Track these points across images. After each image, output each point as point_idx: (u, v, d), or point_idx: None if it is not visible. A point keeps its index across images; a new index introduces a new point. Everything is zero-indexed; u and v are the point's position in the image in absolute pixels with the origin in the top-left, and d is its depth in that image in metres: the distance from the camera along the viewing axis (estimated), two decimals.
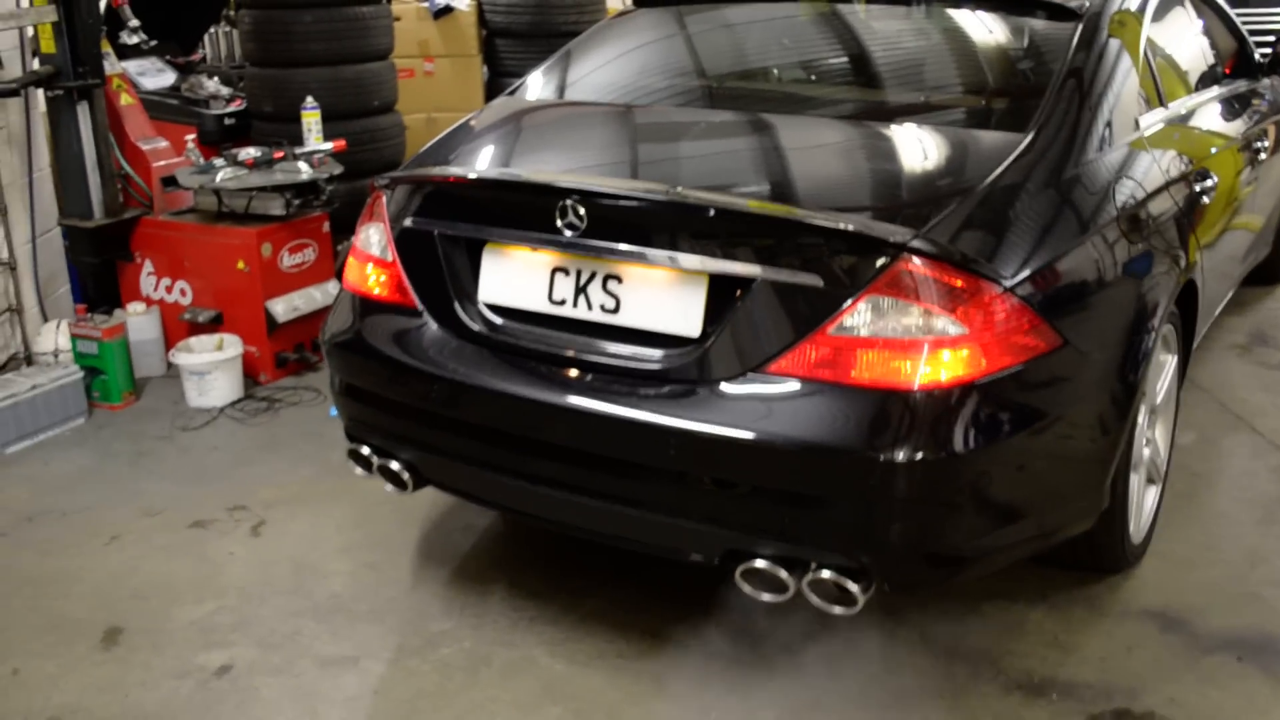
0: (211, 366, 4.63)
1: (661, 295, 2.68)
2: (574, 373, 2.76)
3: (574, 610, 3.25)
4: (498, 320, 2.89)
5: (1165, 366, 3.35)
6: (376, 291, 3.11)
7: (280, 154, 4.87)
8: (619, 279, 2.73)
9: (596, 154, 3.17)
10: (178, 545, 3.65)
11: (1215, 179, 3.51)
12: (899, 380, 2.46)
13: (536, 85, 3.65)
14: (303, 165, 4.85)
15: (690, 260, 2.61)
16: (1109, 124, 3.01)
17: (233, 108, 5.81)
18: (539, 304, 2.84)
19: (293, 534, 3.72)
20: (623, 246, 2.68)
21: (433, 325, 2.97)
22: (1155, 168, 3.17)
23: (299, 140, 5.09)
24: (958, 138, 2.99)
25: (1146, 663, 2.98)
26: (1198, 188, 3.40)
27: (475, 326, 2.90)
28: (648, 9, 3.91)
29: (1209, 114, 3.90)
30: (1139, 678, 2.93)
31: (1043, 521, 2.79)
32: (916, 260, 2.46)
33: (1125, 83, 3.15)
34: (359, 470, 3.22)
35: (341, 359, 3.17)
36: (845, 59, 3.46)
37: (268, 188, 4.74)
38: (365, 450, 3.15)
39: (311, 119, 5.03)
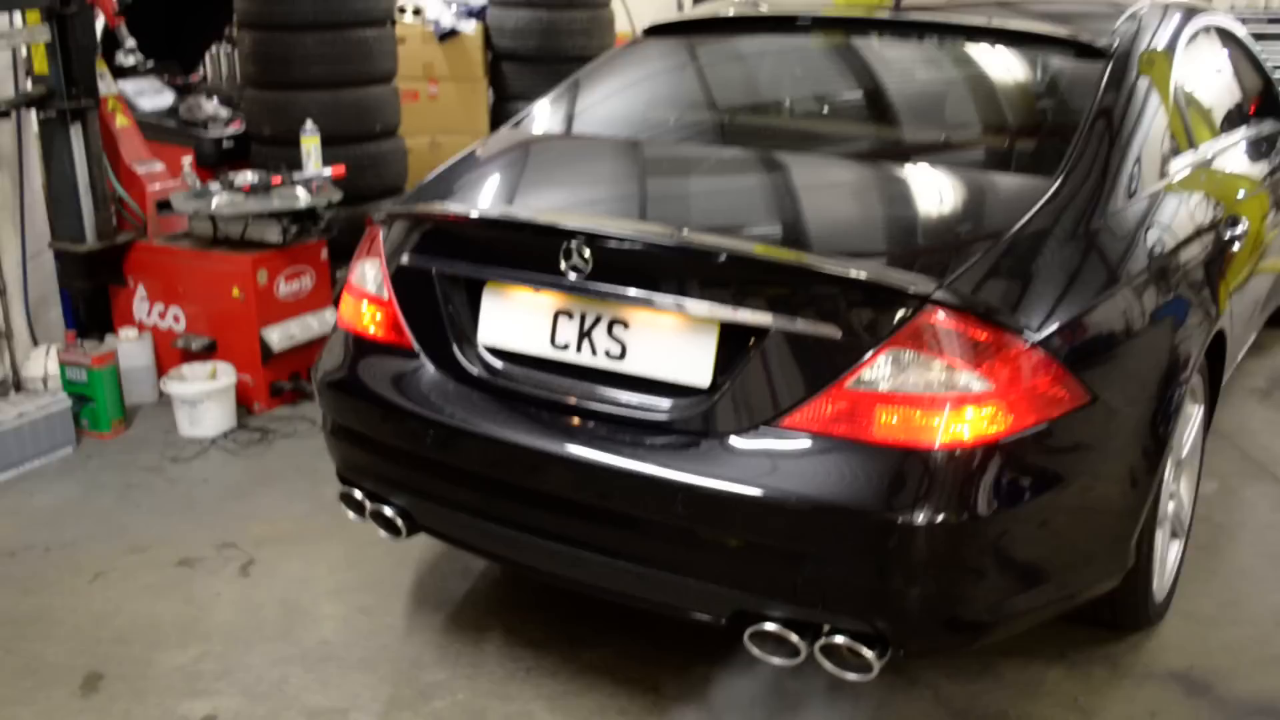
0: (204, 395, 4.51)
1: (670, 342, 2.57)
2: (577, 421, 2.64)
3: (573, 661, 3.13)
4: (498, 364, 2.78)
5: (1192, 417, 3.23)
6: (371, 330, 3.00)
7: (278, 179, 4.76)
8: (625, 324, 2.61)
9: (603, 192, 3.06)
10: (163, 584, 3.53)
11: (1245, 224, 3.40)
12: (920, 438, 2.34)
13: (542, 116, 3.55)
14: (300, 191, 4.74)
15: (700, 307, 2.50)
16: (1139, 168, 2.90)
17: (231, 130, 5.70)
18: (541, 348, 2.72)
19: (282, 574, 3.59)
20: (629, 291, 2.56)
21: (430, 367, 2.86)
22: (1185, 214, 3.06)
23: (298, 164, 4.99)
24: (981, 181, 2.87)
25: None
26: (1227, 234, 3.28)
27: (474, 370, 2.79)
28: (657, 38, 3.80)
29: (1237, 156, 3.79)
30: None
31: (1067, 582, 2.67)
32: (940, 313, 2.35)
33: (1155, 125, 3.04)
34: (351, 514, 3.11)
35: (334, 399, 3.05)
36: (861, 95, 3.34)
37: (264, 214, 4.64)
38: (358, 494, 3.04)
39: (311, 143, 4.92)
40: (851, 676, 2.47)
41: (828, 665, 2.47)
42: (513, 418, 2.70)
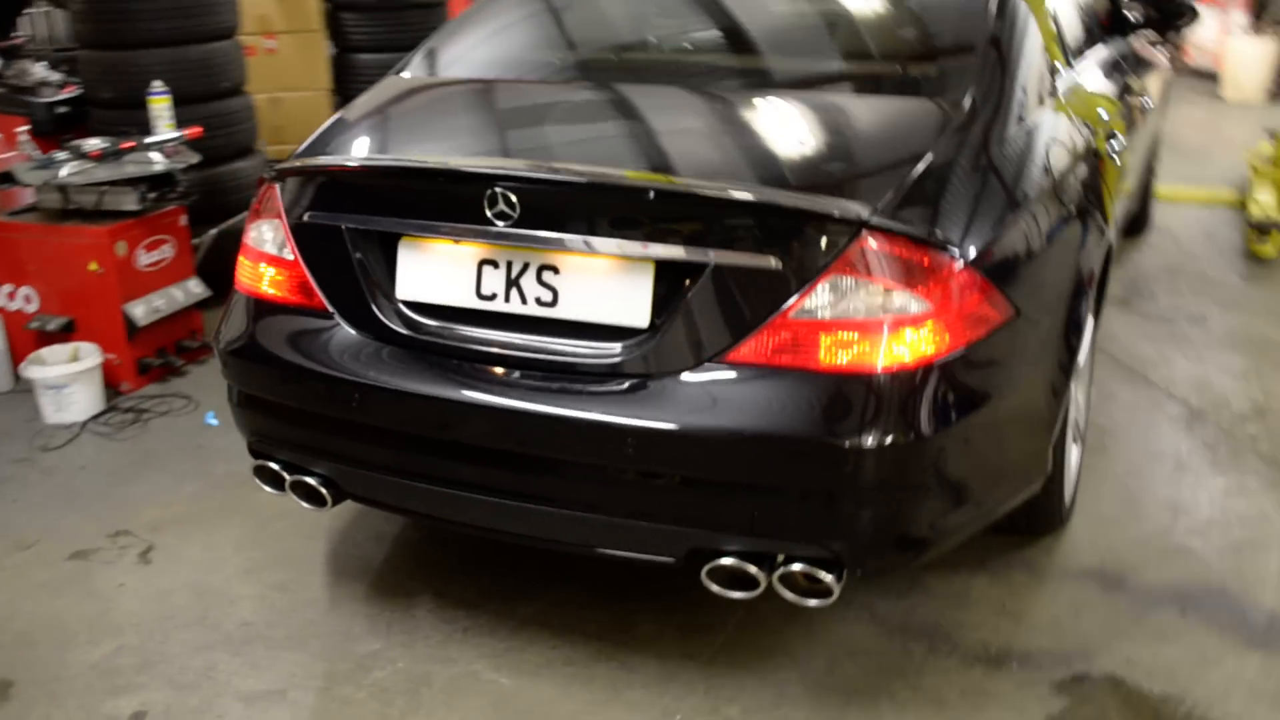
0: (69, 379, 4.25)
1: (604, 285, 2.52)
2: (511, 372, 2.58)
3: (510, 617, 3.08)
4: (420, 319, 2.68)
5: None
6: (275, 293, 2.86)
7: (129, 144, 4.49)
8: (555, 269, 2.55)
9: (516, 136, 2.96)
10: (59, 581, 3.32)
11: (1121, 141, 3.53)
12: (865, 363, 2.37)
13: (429, 61, 3.41)
14: (156, 155, 4.49)
15: (634, 247, 2.46)
16: (1031, 88, 2.97)
17: (65, 95, 5.33)
18: (465, 300, 2.64)
19: (187, 558, 3.42)
20: (560, 235, 2.50)
21: (345, 328, 2.74)
22: (1074, 132, 3.15)
23: (146, 128, 4.70)
24: (890, 107, 2.89)
25: (1095, 624, 3.00)
26: (1109, 148, 3.41)
27: (394, 327, 2.69)
28: None
29: (1103, 74, 3.93)
30: (1091, 640, 2.93)
31: (998, 493, 2.76)
32: (876, 237, 2.36)
33: (1038, 46, 3.11)
34: (268, 489, 2.98)
35: (241, 368, 2.91)
36: (760, 26, 3.30)
37: (120, 181, 4.36)
38: (274, 466, 2.91)
39: (161, 105, 4.65)
40: (812, 603, 2.49)
41: (787, 595, 2.49)
42: (442, 374, 2.62)
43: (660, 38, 3.44)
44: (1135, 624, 3.00)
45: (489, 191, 2.50)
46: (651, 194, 2.49)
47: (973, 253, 2.46)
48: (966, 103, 2.74)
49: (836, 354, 2.38)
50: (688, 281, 2.44)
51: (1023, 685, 2.78)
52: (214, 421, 4.28)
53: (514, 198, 2.49)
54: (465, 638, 3.01)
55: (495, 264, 2.61)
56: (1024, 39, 3.03)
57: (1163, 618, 3.02)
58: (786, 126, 2.81)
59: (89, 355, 4.34)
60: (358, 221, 2.72)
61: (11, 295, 4.54)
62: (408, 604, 3.16)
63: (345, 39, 7.11)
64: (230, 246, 5.32)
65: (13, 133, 4.71)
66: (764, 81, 3.16)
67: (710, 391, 2.42)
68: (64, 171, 4.32)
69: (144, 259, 4.51)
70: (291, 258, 2.82)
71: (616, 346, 2.50)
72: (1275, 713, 2.70)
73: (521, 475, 2.61)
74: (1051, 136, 2.99)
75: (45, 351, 4.36)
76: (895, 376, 2.37)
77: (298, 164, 2.86)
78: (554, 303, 2.56)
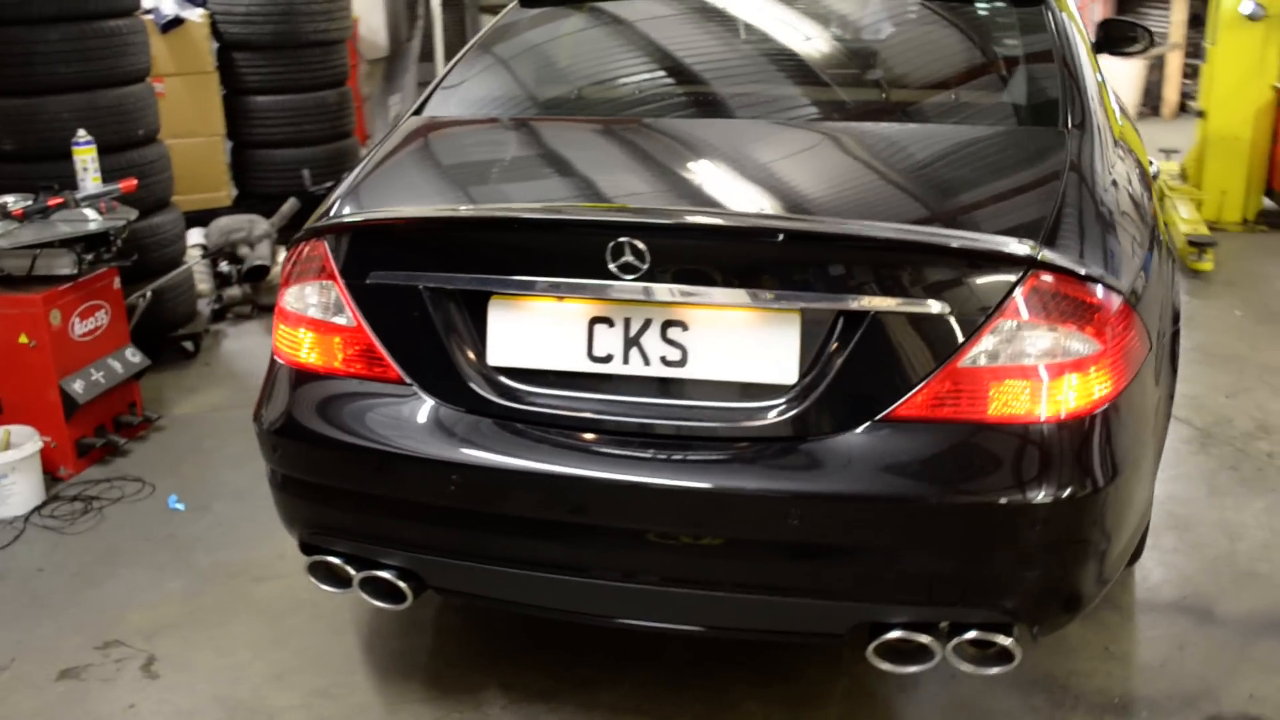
0: (7, 468, 3.73)
1: (743, 340, 2.27)
2: (639, 441, 2.30)
3: (595, 706, 2.79)
4: (518, 386, 2.38)
5: None
6: (331, 364, 2.51)
7: (57, 200, 4.00)
8: (683, 325, 2.29)
9: (619, 179, 2.64)
10: (55, 707, 2.86)
11: (1155, 164, 3.48)
12: (1039, 412, 2.19)
13: (456, 99, 3.07)
14: (90, 212, 4.01)
15: (783, 297, 2.23)
16: (1109, 111, 2.88)
17: None
18: (575, 363, 2.35)
19: (199, 667, 3.00)
20: (692, 288, 2.25)
21: (428, 400, 2.42)
22: (1136, 159, 3.07)
23: (65, 181, 4.21)
24: (997, 136, 2.71)
25: (1204, 661, 2.91)
26: (1152, 173, 3.35)
27: (489, 396, 2.38)
28: (536, 8, 3.41)
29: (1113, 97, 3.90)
30: (1208, 679, 2.84)
31: (1135, 533, 2.62)
32: (1046, 275, 2.20)
33: (1091, 66, 3.03)
34: (327, 588, 2.62)
35: (293, 452, 2.54)
36: (831, 54, 3.10)
37: (55, 243, 3.87)
38: (335, 561, 2.56)
39: (86, 155, 4.16)
40: (994, 670, 2.30)
41: (963, 666, 2.29)
42: (557, 447, 2.32)
43: (723, 69, 3.18)
44: (1242, 658, 2.92)
45: (614, 242, 2.23)
46: (810, 239, 2.27)
47: (1127, 286, 2.32)
48: (1069, 128, 2.62)
49: (1010, 404, 2.20)
50: (840, 332, 2.23)
51: None
52: (179, 506, 3.83)
53: (643, 247, 2.22)
54: None
55: (610, 322, 2.33)
56: (1082, 57, 2.93)
57: (1265, 647, 2.96)
58: (908, 160, 2.59)
59: (26, 440, 3.83)
60: (440, 281, 2.40)
61: None
62: (475, 701, 2.83)
63: (239, 80, 6.64)
64: (164, 308, 4.89)
65: None
66: (866, 113, 2.94)
67: (878, 452, 2.20)
68: None
69: (79, 328, 4.03)
70: (352, 324, 2.48)
71: (761, 407, 2.26)
72: None
73: (659, 556, 2.33)
74: (1134, 163, 2.90)
75: None
76: (1070, 425, 2.20)
77: (359, 219, 2.52)
78: (683, 362, 2.30)
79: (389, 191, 2.66)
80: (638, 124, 2.89)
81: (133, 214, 4.17)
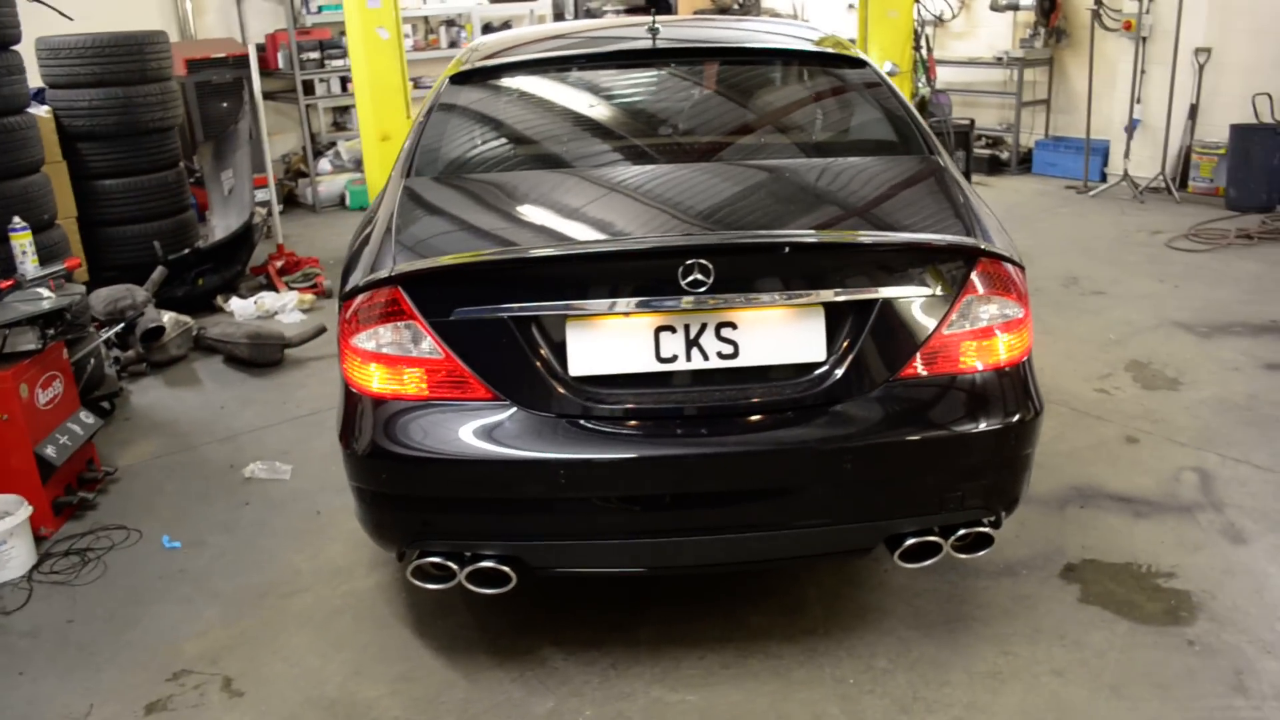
0: (5, 534, 3.12)
1: (782, 331, 2.31)
2: (706, 419, 2.28)
3: (637, 644, 2.73)
4: (599, 390, 2.30)
5: None
6: (419, 391, 2.32)
7: (7, 283, 3.38)
8: (733, 325, 2.29)
9: (650, 215, 2.51)
10: None
11: None
12: (1003, 359, 2.38)
13: (441, 161, 2.83)
14: (43, 291, 3.42)
15: (816, 294, 2.27)
16: None
17: None
18: (645, 365, 2.30)
19: (278, 679, 2.66)
20: (744, 295, 2.25)
21: (520, 411, 2.28)
22: None
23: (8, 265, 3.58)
24: (898, 163, 2.82)
25: (1041, 530, 3.19)
26: None
27: (578, 401, 2.28)
28: (467, 84, 3.19)
29: None
30: (1051, 542, 3.13)
31: None
32: (988, 260, 2.37)
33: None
34: (431, 586, 2.41)
35: (394, 470, 2.32)
36: (742, 112, 3.12)
37: (21, 322, 3.27)
38: (436, 560, 2.35)
39: (24, 240, 3.55)
40: (981, 554, 2.46)
41: (959, 555, 2.44)
42: (637, 435, 2.27)
43: (652, 125, 3.05)
44: (1064, 522, 3.23)
45: (685, 263, 2.20)
46: (824, 249, 2.34)
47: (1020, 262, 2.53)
48: (935, 154, 2.82)
49: (976, 357, 2.36)
50: (856, 317, 2.30)
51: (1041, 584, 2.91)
52: (175, 544, 3.35)
53: (710, 265, 2.20)
54: (619, 672, 2.62)
55: (673, 329, 2.29)
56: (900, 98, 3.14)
57: (1072, 513, 3.29)
58: (856, 185, 2.66)
59: (16, 506, 3.22)
60: (525, 310, 2.26)
61: None
62: (539, 659, 2.68)
63: (85, 167, 5.82)
64: (81, 374, 4.22)
65: None
66: (782, 153, 2.93)
67: (893, 405, 2.30)
68: None
69: (42, 398, 3.43)
70: (439, 355, 2.29)
71: (800, 382, 2.30)
72: None
73: (735, 509, 2.32)
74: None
75: None
76: (1018, 368, 2.41)
77: (442, 264, 2.31)
78: (735, 354, 2.30)
79: (438, 240, 2.46)
80: (623, 170, 2.78)
81: (81, 289, 3.60)
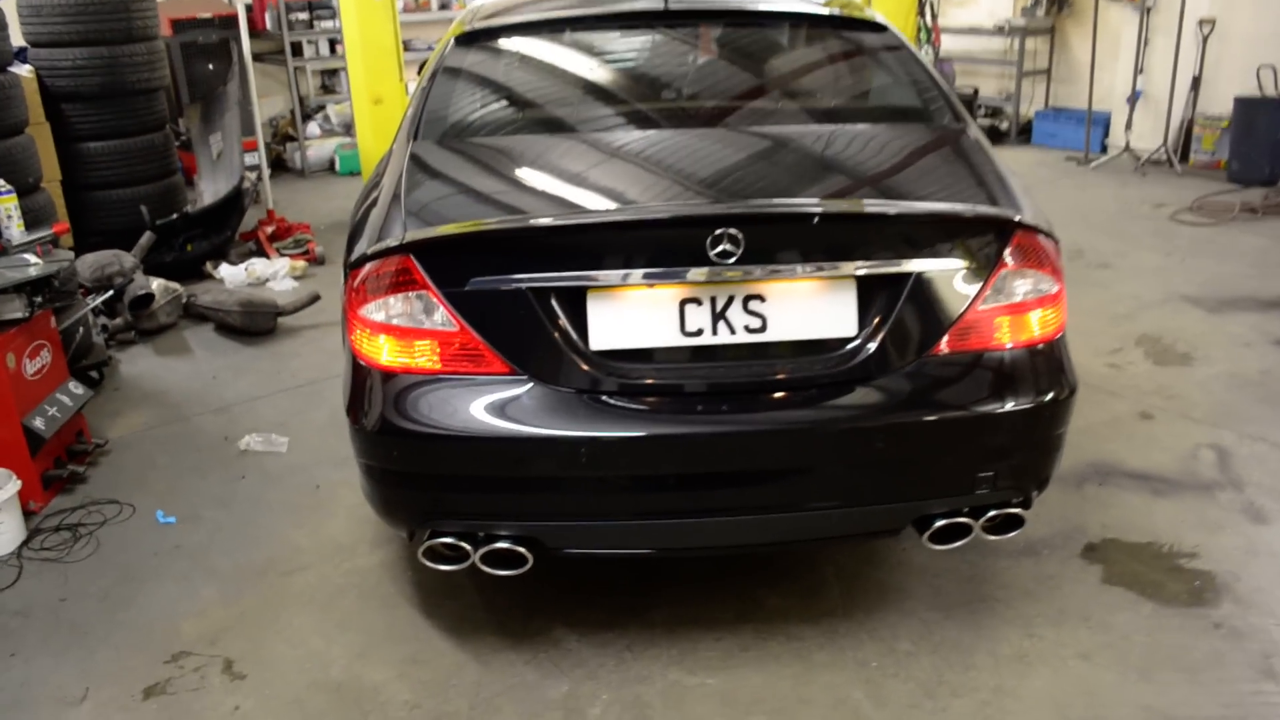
0: None
1: (812, 304, 2.20)
2: (732, 396, 2.18)
3: (653, 626, 2.64)
4: (623, 365, 2.18)
5: None
6: (432, 365, 2.20)
7: None
8: (762, 298, 2.18)
9: (671, 181, 2.38)
10: None
11: None
12: (1038, 336, 2.28)
13: (450, 125, 2.70)
14: (29, 257, 3.27)
15: (848, 266, 2.16)
16: None
17: None
18: (670, 339, 2.18)
19: (281, 661, 2.57)
20: (773, 266, 2.14)
21: (539, 386, 2.17)
22: None
23: None
24: (927, 132, 2.70)
25: (1060, 509, 3.11)
26: None
27: (599, 376, 2.17)
28: (475, 45, 3.05)
29: None
30: (1070, 521, 3.05)
31: None
32: (1026, 232, 2.27)
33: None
34: (443, 567, 2.32)
35: (406, 447, 2.20)
36: (763, 76, 2.98)
37: (7, 289, 3.13)
38: (450, 540, 2.25)
39: (9, 204, 3.39)
40: (1011, 535, 2.37)
41: (989, 536, 2.35)
42: (661, 411, 2.16)
43: (666, 89, 2.91)
44: (1082, 501, 3.16)
45: (714, 233, 2.08)
46: (858, 218, 2.22)
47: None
48: (966, 122, 2.71)
49: (1014, 334, 2.26)
50: (889, 290, 2.20)
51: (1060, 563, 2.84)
52: (170, 519, 3.23)
53: (740, 235, 2.09)
54: (635, 654, 2.54)
55: (698, 301, 2.18)
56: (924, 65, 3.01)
57: (1090, 491, 3.21)
58: (883, 152, 2.54)
59: (4, 480, 3.09)
60: (544, 281, 2.15)
61: None
62: (551, 640, 2.59)
63: (70, 129, 5.62)
64: (70, 342, 4.08)
65: None
66: (810, 118, 2.80)
67: (925, 382, 2.20)
68: None
69: (29, 368, 3.29)
70: (454, 327, 2.18)
71: (830, 357, 2.20)
72: None
73: (763, 488, 2.22)
74: None
75: None
76: (1052, 344, 2.31)
77: (459, 231, 2.19)
78: (763, 328, 2.19)
79: (449, 208, 2.34)
80: (637, 134, 2.65)
81: (69, 255, 3.45)
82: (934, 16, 8.28)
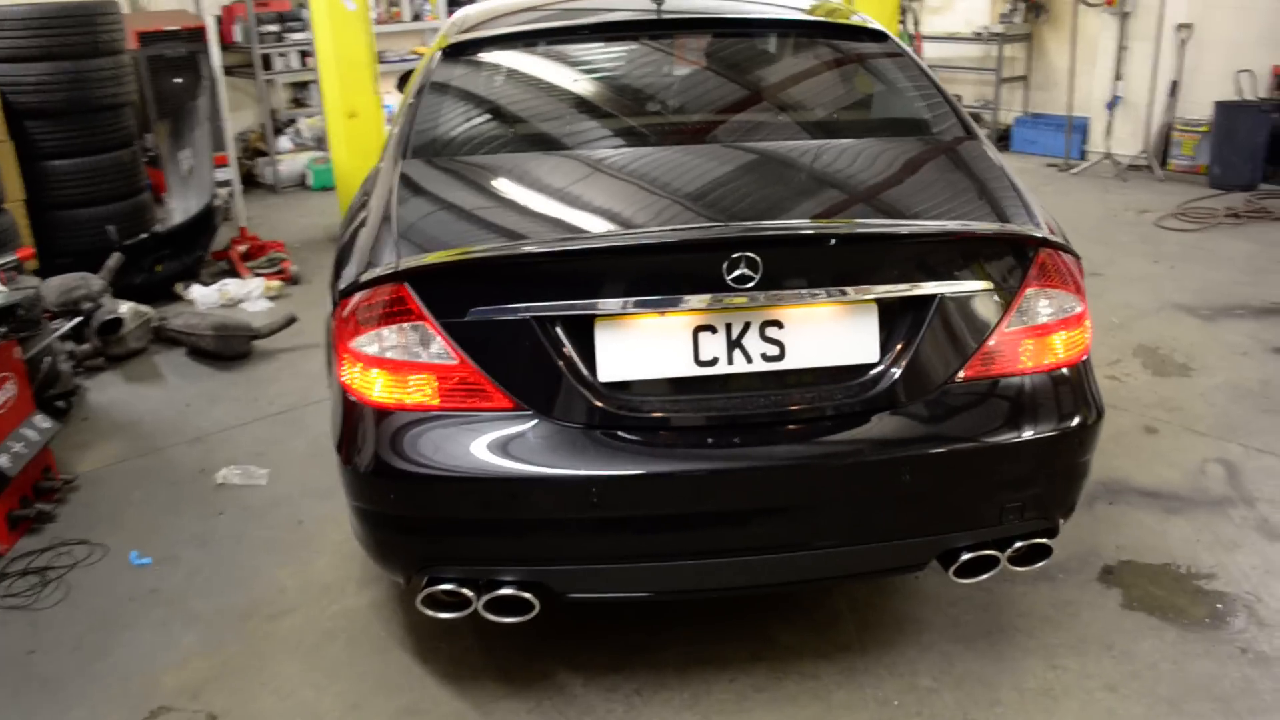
0: None
1: (831, 330, 2.08)
2: (750, 428, 2.06)
3: (662, 667, 2.51)
4: (632, 398, 2.06)
5: None
6: (430, 402, 2.06)
7: None
8: (779, 324, 2.06)
9: (678, 203, 2.25)
10: None
11: None
12: (1064, 359, 2.18)
13: (436, 143, 2.56)
14: None
15: (874, 289, 2.05)
16: None
17: None
18: (683, 369, 2.06)
19: (270, 714, 2.41)
20: (792, 291, 2.02)
21: (544, 422, 2.04)
22: None
23: None
24: (940, 146, 2.59)
25: (1074, 530, 3.00)
26: None
27: (609, 409, 2.04)
28: (464, 58, 2.91)
29: None
30: (1084, 543, 2.96)
31: None
32: (1051, 251, 2.17)
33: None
34: (443, 615, 2.17)
35: (402, 490, 2.06)
36: (763, 89, 2.85)
37: None
38: (449, 587, 2.11)
39: None
40: (1038, 565, 2.26)
41: (1017, 568, 2.24)
42: (680, 447, 2.03)
43: (659, 102, 2.80)
44: (1095, 522, 3.07)
45: (731, 256, 1.96)
46: (878, 240, 2.11)
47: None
48: (978, 136, 2.61)
49: (1043, 356, 2.16)
50: (912, 315, 2.09)
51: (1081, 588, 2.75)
52: (145, 561, 3.06)
53: (758, 259, 1.97)
54: (644, 699, 2.41)
55: (713, 329, 2.05)
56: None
57: (1102, 511, 3.12)
58: (894, 168, 2.43)
59: None
60: (550, 310, 2.01)
61: None
62: (555, 686, 2.46)
63: (34, 146, 5.41)
64: (35, 371, 3.89)
65: None
66: (816, 133, 2.68)
67: (951, 409, 2.09)
68: None
69: None
70: (453, 360, 2.04)
71: (851, 385, 2.08)
72: None
73: (783, 526, 2.10)
74: None
75: None
76: (1077, 368, 2.21)
77: (459, 259, 2.05)
78: (781, 356, 2.07)
79: (445, 231, 2.20)
80: (637, 152, 2.51)
81: (35, 282, 3.28)
82: (916, 24, 8.23)
